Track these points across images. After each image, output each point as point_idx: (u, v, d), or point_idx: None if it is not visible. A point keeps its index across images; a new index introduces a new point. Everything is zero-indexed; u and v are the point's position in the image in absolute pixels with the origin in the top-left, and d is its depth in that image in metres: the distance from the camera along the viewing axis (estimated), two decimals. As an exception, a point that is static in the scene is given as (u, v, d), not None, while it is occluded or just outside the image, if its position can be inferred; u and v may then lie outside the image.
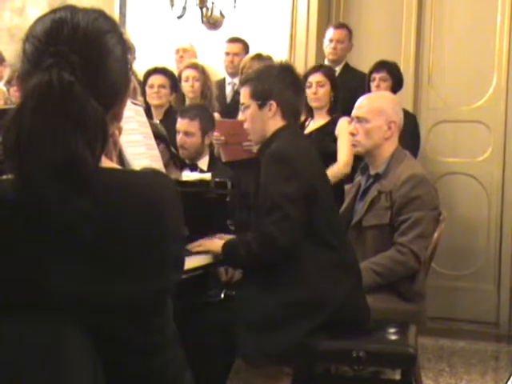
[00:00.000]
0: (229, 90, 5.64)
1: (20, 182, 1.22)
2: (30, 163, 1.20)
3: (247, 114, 3.06)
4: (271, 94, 2.98)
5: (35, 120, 1.21)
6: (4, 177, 1.30)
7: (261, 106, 3.00)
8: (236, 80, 5.65)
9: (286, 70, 3.06)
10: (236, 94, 5.57)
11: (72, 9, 1.34)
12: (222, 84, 5.62)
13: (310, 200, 2.84)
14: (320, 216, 2.87)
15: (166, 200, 1.34)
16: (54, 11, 1.35)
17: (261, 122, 3.01)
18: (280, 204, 2.81)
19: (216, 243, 2.91)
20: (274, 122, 3.00)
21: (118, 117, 1.41)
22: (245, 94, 3.06)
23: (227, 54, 5.67)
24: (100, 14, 1.36)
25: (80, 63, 1.27)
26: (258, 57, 4.91)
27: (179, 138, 4.32)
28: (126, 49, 1.39)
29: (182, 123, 4.37)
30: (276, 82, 2.99)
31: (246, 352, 2.81)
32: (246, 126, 3.09)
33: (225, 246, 2.89)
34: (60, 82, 1.23)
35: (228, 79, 5.68)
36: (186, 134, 4.31)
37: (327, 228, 2.88)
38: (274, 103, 2.98)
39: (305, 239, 2.84)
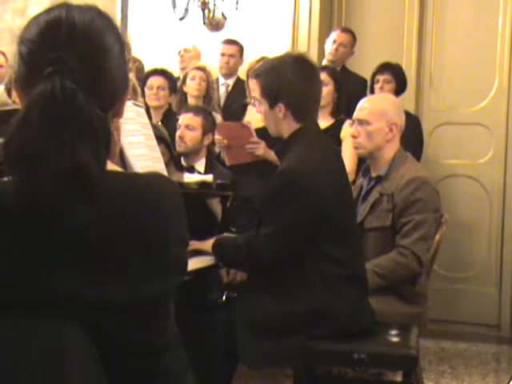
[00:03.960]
0: (222, 91, 5.66)
1: (24, 189, 1.22)
2: (36, 172, 1.20)
3: (261, 110, 3.01)
4: (280, 95, 2.89)
5: (40, 130, 1.21)
6: (5, 179, 1.30)
7: (271, 106, 2.93)
8: (230, 81, 5.68)
9: (299, 63, 2.93)
10: (229, 95, 5.59)
11: (67, 7, 1.32)
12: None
13: (315, 219, 2.79)
14: (328, 233, 2.83)
15: (169, 204, 1.34)
16: (47, 11, 1.32)
17: (273, 121, 2.96)
18: (276, 222, 2.80)
19: (206, 242, 2.92)
20: (286, 122, 2.93)
21: (118, 114, 1.40)
22: (256, 90, 3.00)
23: (222, 55, 5.69)
24: (96, 12, 1.34)
25: (80, 67, 1.26)
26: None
27: (180, 130, 4.32)
28: (124, 46, 1.37)
29: (185, 117, 4.38)
30: (285, 82, 2.88)
31: (246, 354, 2.81)
32: (261, 119, 3.07)
33: (214, 245, 2.91)
34: (63, 91, 1.22)
35: (221, 80, 5.69)
36: (188, 127, 4.33)
37: (336, 244, 2.84)
38: (282, 106, 2.90)
39: (310, 253, 2.81)
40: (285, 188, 2.80)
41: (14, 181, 1.23)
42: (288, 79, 2.88)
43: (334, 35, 5.52)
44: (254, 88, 3.02)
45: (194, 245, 2.87)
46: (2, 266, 1.24)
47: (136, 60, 5.80)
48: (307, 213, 2.78)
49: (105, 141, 1.27)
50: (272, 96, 2.91)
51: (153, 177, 1.40)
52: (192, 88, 5.17)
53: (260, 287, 2.90)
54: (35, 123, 1.21)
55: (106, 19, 1.36)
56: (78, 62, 1.26)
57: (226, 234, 3.07)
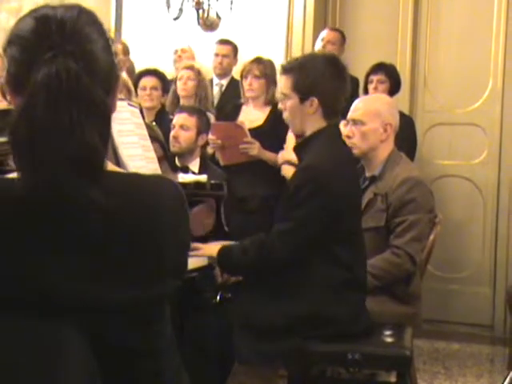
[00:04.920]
0: (216, 91, 5.65)
1: (33, 176, 1.21)
2: (46, 156, 1.20)
3: (287, 105, 2.96)
4: (314, 89, 2.86)
5: (48, 112, 1.21)
6: (11, 175, 1.30)
7: (302, 101, 2.89)
8: (224, 81, 5.67)
9: (331, 62, 2.92)
10: (223, 95, 5.59)
11: (50, 6, 1.33)
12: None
13: (330, 219, 2.78)
14: (339, 235, 2.82)
15: (170, 206, 1.35)
16: (33, 11, 1.33)
17: (300, 116, 2.92)
18: (294, 218, 2.79)
19: (212, 248, 2.89)
20: (314, 118, 2.90)
21: (112, 108, 1.41)
22: (286, 84, 2.94)
23: (216, 55, 5.69)
24: (80, 9, 1.35)
25: (77, 53, 1.27)
26: (258, 60, 4.91)
27: (174, 131, 4.32)
28: (109, 39, 1.38)
29: (179, 117, 4.38)
30: (320, 77, 2.87)
31: (241, 353, 2.80)
32: (284, 116, 3.02)
33: (220, 250, 2.86)
34: (67, 72, 1.23)
35: (215, 80, 5.69)
36: (182, 127, 4.32)
37: (344, 247, 2.84)
38: (315, 100, 2.87)
39: (316, 256, 2.80)
40: (304, 185, 2.79)
41: (22, 168, 1.22)
42: (322, 75, 2.88)
43: (323, 34, 5.54)
44: (283, 83, 2.95)
45: (201, 250, 2.86)
46: (3, 265, 1.24)
47: (127, 60, 5.82)
48: (324, 212, 2.77)
49: (107, 122, 1.28)
50: (305, 90, 2.88)
51: (154, 179, 1.41)
52: (179, 88, 5.17)
53: (259, 287, 2.89)
54: (42, 106, 1.21)
55: (90, 14, 1.36)
56: (74, 49, 1.27)
57: (229, 242, 3.04)
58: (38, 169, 1.20)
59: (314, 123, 2.91)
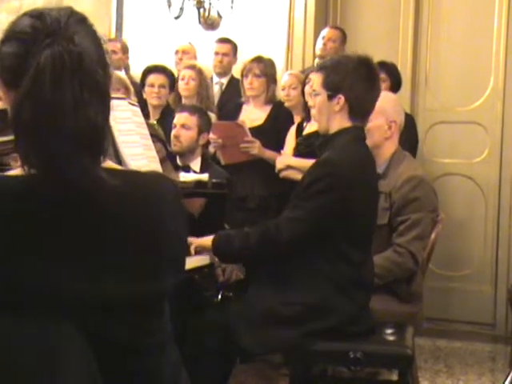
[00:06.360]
0: (216, 90, 5.64)
1: (36, 159, 1.22)
2: (51, 136, 1.21)
3: (316, 102, 2.99)
4: (342, 86, 2.88)
5: (54, 91, 1.22)
6: (11, 172, 1.30)
7: (330, 97, 2.91)
8: (224, 80, 5.67)
9: (364, 64, 2.93)
10: (223, 94, 5.59)
11: (42, 8, 1.34)
12: None
13: (343, 216, 2.79)
14: (349, 232, 2.82)
15: (167, 203, 1.35)
16: (24, 13, 1.34)
17: (327, 113, 2.93)
18: (305, 208, 2.79)
19: (205, 239, 2.87)
20: (340, 117, 2.91)
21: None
22: (317, 81, 2.99)
23: (216, 53, 5.68)
24: (72, 10, 1.36)
25: (73, 42, 1.28)
26: (258, 59, 4.90)
27: (175, 130, 4.30)
28: (101, 39, 1.38)
29: (180, 116, 4.37)
30: (349, 76, 2.89)
31: (244, 344, 2.79)
32: (312, 113, 3.05)
33: (216, 238, 2.85)
34: (69, 53, 1.24)
35: (215, 79, 5.68)
36: (183, 126, 4.31)
37: (353, 244, 2.84)
38: (342, 97, 2.88)
39: (325, 251, 2.81)
40: (321, 179, 2.80)
41: (25, 152, 1.23)
42: (351, 73, 2.90)
43: (324, 32, 5.53)
44: (315, 81, 3.00)
45: (194, 242, 2.85)
46: (2, 265, 1.24)
47: (125, 59, 5.85)
48: (336, 207, 2.78)
49: (108, 105, 1.29)
50: (333, 87, 2.90)
51: (152, 175, 1.41)
52: (181, 88, 5.16)
53: (265, 280, 2.89)
54: (48, 86, 1.22)
55: (81, 15, 1.37)
56: (70, 37, 1.28)
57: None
58: (41, 150, 1.21)
59: (339, 122, 2.92)
